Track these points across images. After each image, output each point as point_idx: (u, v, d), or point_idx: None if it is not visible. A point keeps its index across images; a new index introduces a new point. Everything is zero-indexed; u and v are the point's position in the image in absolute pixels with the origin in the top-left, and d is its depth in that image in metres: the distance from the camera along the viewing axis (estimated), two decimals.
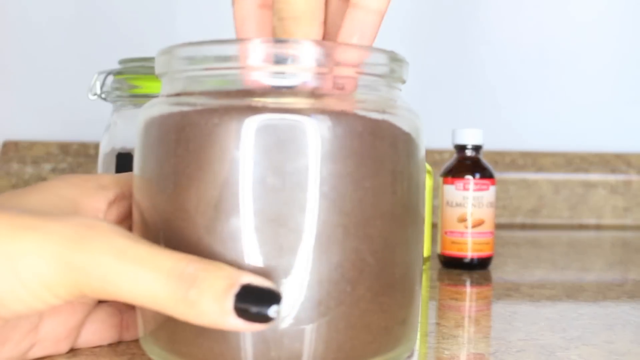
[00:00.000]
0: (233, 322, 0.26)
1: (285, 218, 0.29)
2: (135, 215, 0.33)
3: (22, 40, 1.06)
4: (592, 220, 1.07)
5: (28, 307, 0.28)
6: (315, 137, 0.29)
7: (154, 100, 0.33)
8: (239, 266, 0.28)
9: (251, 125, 0.29)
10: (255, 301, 0.26)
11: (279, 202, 0.29)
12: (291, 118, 0.29)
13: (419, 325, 0.35)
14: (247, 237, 0.29)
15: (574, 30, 1.10)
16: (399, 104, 0.33)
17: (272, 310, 0.26)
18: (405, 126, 0.33)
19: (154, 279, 0.26)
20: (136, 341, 0.38)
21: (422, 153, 0.34)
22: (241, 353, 0.29)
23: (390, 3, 0.35)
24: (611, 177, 1.07)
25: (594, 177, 1.07)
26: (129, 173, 0.37)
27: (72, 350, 0.36)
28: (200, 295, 0.26)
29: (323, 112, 0.30)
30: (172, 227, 0.30)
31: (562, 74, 1.10)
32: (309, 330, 0.29)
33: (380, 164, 0.31)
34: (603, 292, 0.55)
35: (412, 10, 1.09)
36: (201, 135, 0.30)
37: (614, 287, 0.57)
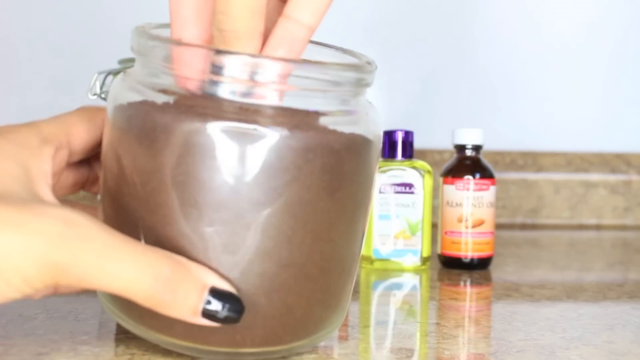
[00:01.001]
0: (202, 321, 0.30)
1: (237, 221, 0.31)
2: (106, 194, 0.35)
3: (22, 40, 1.06)
4: (592, 220, 1.07)
5: (4, 297, 0.29)
6: (270, 148, 0.31)
7: (129, 78, 0.34)
8: (206, 262, 0.31)
9: (215, 131, 0.31)
10: (220, 307, 0.30)
11: (237, 206, 0.31)
12: (250, 128, 0.31)
13: (347, 312, 0.38)
14: (206, 237, 0.31)
15: (574, 30, 1.10)
16: (358, 109, 0.35)
17: (234, 314, 0.30)
18: (363, 131, 0.34)
19: (132, 281, 0.29)
20: (136, 341, 0.38)
21: (377, 155, 0.36)
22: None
23: (321, 20, 0.35)
24: (611, 177, 1.07)
25: (594, 177, 1.07)
26: (65, 117, 0.37)
27: (73, 350, 0.36)
28: (174, 301, 0.29)
29: (282, 124, 0.31)
30: (144, 218, 0.32)
31: (562, 74, 1.10)
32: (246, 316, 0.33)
33: (329, 175, 0.33)
34: (603, 292, 0.55)
35: (412, 9, 1.09)
36: (169, 139, 0.31)
37: (614, 287, 0.57)
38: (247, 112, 0.31)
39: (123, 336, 0.39)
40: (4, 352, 0.36)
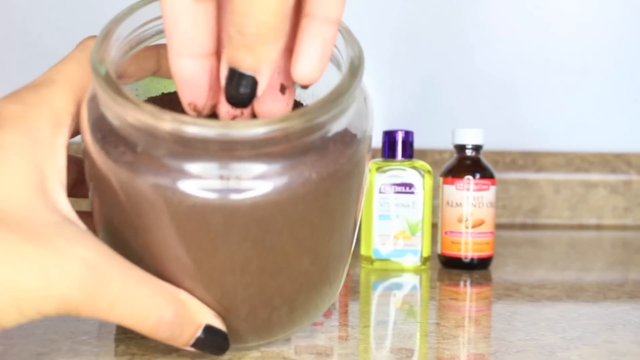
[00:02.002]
0: (190, 349, 0.33)
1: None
2: (100, 219, 0.34)
3: (22, 41, 1.06)
4: (592, 220, 1.07)
5: (15, 323, 0.30)
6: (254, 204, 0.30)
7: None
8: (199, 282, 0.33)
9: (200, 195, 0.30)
10: (208, 343, 0.33)
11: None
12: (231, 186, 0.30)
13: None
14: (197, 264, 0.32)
15: (574, 30, 1.10)
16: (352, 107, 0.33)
17: (219, 350, 0.33)
18: (355, 130, 0.33)
19: (138, 322, 0.31)
20: (136, 341, 0.38)
21: (367, 149, 0.34)
22: None
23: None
24: (611, 177, 1.07)
25: (594, 177, 1.07)
26: (70, 72, 0.34)
27: (72, 350, 0.36)
28: (171, 337, 0.32)
29: (264, 177, 0.30)
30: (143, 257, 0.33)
31: (562, 74, 1.10)
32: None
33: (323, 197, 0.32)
34: (603, 292, 0.55)
35: (411, 9, 1.09)
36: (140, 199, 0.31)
37: (614, 287, 0.57)
38: (227, 170, 0.30)
39: (123, 336, 0.39)
40: (4, 352, 0.36)
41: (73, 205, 0.34)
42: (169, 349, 0.36)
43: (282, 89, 0.33)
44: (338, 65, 0.35)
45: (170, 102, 0.36)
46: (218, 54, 0.32)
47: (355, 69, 0.33)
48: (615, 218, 1.07)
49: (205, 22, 0.30)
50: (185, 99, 0.32)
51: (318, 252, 0.33)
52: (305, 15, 0.31)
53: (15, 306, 0.29)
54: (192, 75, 0.31)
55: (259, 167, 0.30)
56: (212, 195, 0.30)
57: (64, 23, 1.05)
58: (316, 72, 0.31)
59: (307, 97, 0.39)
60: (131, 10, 0.34)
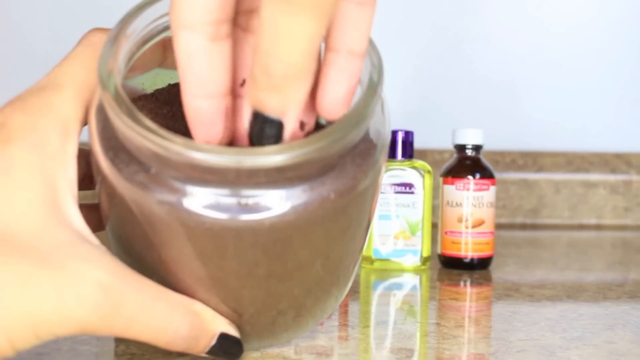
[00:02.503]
0: (204, 356, 0.33)
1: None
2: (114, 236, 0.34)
3: (22, 42, 1.06)
4: (592, 220, 1.07)
5: (28, 346, 0.30)
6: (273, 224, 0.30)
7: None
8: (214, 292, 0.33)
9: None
10: (223, 351, 0.33)
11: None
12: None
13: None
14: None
15: (574, 30, 1.10)
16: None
17: (233, 357, 0.33)
18: (373, 135, 0.33)
19: (153, 338, 0.31)
20: (135, 342, 0.38)
21: (384, 156, 0.33)
22: None
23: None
24: (611, 177, 1.07)
25: (594, 177, 1.07)
26: (76, 74, 0.33)
27: (72, 350, 0.36)
28: (187, 348, 0.32)
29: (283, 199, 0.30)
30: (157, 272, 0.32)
31: (562, 74, 1.10)
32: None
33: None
34: (603, 292, 0.55)
35: (411, 9, 1.09)
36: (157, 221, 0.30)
37: (614, 287, 0.57)
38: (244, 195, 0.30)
39: None
40: None
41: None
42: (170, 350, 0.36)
43: (302, 126, 0.31)
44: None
45: (177, 93, 0.36)
46: (233, 92, 0.31)
47: (374, 85, 0.31)
48: (615, 218, 1.07)
49: (221, 62, 0.29)
50: (199, 138, 0.30)
51: (331, 258, 0.33)
52: (330, 50, 0.30)
53: (31, 331, 0.29)
54: (207, 115, 0.30)
55: (276, 191, 0.29)
56: (228, 218, 0.29)
57: (60, 26, 1.05)
58: (342, 107, 0.30)
59: None
60: (138, 10, 0.33)
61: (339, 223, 0.32)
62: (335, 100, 0.30)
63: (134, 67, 0.35)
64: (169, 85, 0.37)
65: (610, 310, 0.48)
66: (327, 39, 0.30)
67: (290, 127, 0.29)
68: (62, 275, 0.29)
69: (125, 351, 0.36)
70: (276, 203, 0.29)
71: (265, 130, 0.29)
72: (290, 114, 0.28)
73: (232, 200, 0.29)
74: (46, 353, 0.35)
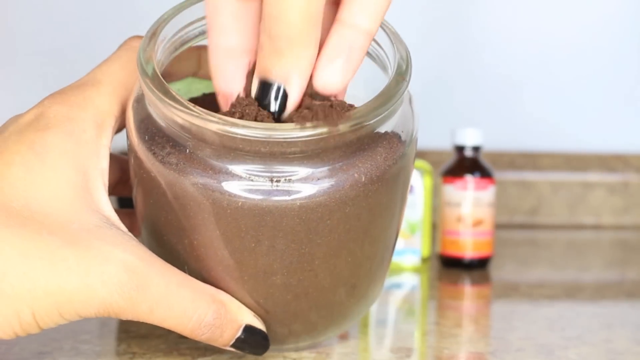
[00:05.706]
0: (230, 349, 0.33)
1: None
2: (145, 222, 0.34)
3: (22, 42, 1.06)
4: (590, 220, 1.07)
5: (56, 325, 0.30)
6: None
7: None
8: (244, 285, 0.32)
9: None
10: (248, 344, 0.33)
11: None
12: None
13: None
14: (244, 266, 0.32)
15: (574, 30, 1.11)
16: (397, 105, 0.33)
17: (260, 349, 0.33)
18: (400, 131, 0.33)
19: (178, 325, 0.31)
20: (137, 341, 0.38)
21: (412, 153, 0.34)
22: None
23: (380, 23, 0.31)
24: (610, 178, 1.07)
25: (592, 177, 1.07)
26: (117, 74, 0.34)
27: (74, 349, 0.36)
28: (211, 338, 0.32)
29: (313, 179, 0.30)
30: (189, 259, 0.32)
31: (562, 74, 1.11)
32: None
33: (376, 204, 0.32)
34: (601, 292, 0.55)
35: (411, 9, 1.09)
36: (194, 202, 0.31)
37: (612, 286, 0.57)
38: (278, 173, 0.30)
39: (124, 335, 0.39)
40: (6, 350, 0.36)
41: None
42: (170, 348, 0.36)
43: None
44: (384, 68, 0.34)
45: (211, 102, 0.36)
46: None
47: (402, 72, 0.32)
48: (613, 218, 1.07)
49: (245, 19, 0.30)
50: (219, 89, 0.31)
51: (362, 254, 0.33)
52: (336, 21, 0.30)
53: (55, 309, 0.29)
54: (228, 67, 0.30)
55: (306, 169, 0.30)
56: (260, 197, 0.30)
57: (60, 26, 1.05)
58: (338, 80, 0.30)
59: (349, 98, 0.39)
60: (177, 10, 0.34)
61: (369, 211, 0.32)
62: (331, 71, 0.30)
63: (170, 73, 0.36)
64: (203, 94, 0.38)
65: (608, 310, 0.49)
66: (337, 13, 0.30)
67: (293, 96, 0.29)
68: (88, 255, 0.30)
69: (127, 350, 0.36)
70: (307, 183, 0.30)
71: (269, 97, 0.30)
72: (293, 81, 0.29)
73: (263, 180, 0.30)
74: (48, 352, 0.36)
